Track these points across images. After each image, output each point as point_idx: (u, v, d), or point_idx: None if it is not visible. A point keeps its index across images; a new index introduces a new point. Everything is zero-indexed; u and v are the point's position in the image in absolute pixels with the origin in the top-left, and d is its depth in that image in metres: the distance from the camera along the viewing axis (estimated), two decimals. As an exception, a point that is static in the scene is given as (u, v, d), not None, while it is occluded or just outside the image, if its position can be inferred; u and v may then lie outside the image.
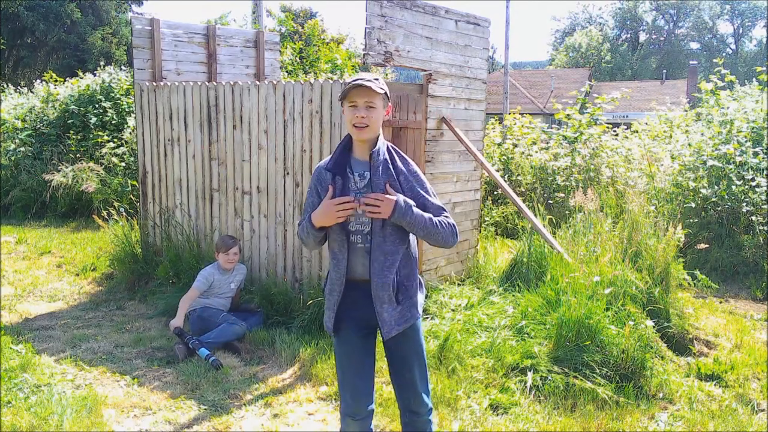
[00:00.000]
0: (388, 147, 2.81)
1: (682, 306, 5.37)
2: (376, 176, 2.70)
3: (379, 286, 2.70)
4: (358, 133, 2.70)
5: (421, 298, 2.90)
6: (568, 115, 10.11)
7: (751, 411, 4.19)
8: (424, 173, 5.04)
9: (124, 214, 7.42)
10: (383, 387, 4.31)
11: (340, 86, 5.41)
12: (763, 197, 7.59)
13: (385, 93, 2.72)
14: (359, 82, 2.67)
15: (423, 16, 5.79)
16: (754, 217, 7.52)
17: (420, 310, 2.87)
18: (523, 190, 10.17)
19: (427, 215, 2.70)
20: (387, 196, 2.64)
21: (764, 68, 9.18)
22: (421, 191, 2.76)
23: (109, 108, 12.09)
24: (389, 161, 2.75)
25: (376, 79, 2.72)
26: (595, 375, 4.32)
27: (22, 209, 11.28)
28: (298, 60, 14.31)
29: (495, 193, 10.32)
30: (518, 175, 10.45)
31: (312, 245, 2.84)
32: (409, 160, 2.84)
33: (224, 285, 5.49)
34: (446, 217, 2.76)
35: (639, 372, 4.41)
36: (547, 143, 10.77)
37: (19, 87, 16.79)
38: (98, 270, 7.43)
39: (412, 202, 2.69)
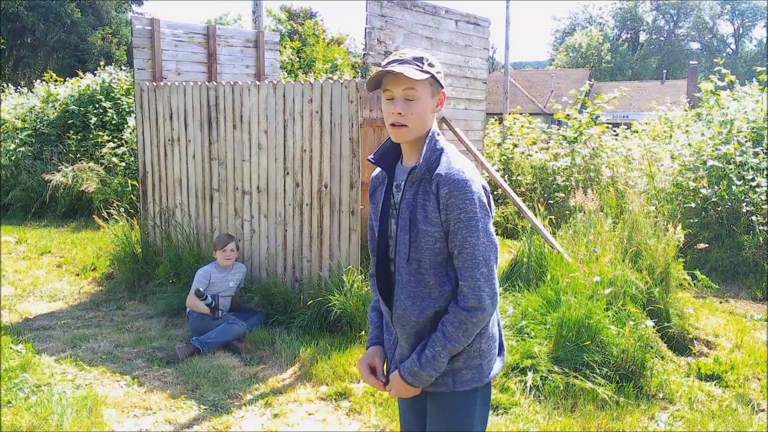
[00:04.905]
0: (440, 153, 2.08)
1: (682, 306, 5.37)
2: (405, 210, 2.08)
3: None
4: (394, 135, 2.09)
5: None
6: (568, 115, 10.10)
7: (751, 411, 4.18)
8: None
9: (124, 214, 7.42)
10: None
11: (340, 86, 5.40)
12: (763, 197, 7.58)
13: (432, 76, 2.04)
14: (388, 67, 2.02)
15: (423, 16, 5.79)
16: (754, 217, 7.51)
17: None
18: (523, 190, 10.17)
19: (439, 350, 2.03)
20: (394, 380, 2.13)
21: (764, 68, 9.17)
22: (462, 233, 2.01)
23: (109, 108, 12.09)
24: (432, 183, 2.04)
25: (419, 60, 2.03)
26: (595, 375, 4.32)
27: (22, 209, 11.27)
28: (296, 59, 14.32)
29: (495, 193, 10.31)
30: (518, 175, 10.46)
31: None
32: (469, 178, 2.02)
33: (223, 283, 5.49)
34: (471, 310, 2.00)
35: (639, 372, 4.41)
36: (547, 143, 10.77)
37: (19, 87, 16.76)
38: (98, 270, 7.43)
39: (416, 368, 2.06)
